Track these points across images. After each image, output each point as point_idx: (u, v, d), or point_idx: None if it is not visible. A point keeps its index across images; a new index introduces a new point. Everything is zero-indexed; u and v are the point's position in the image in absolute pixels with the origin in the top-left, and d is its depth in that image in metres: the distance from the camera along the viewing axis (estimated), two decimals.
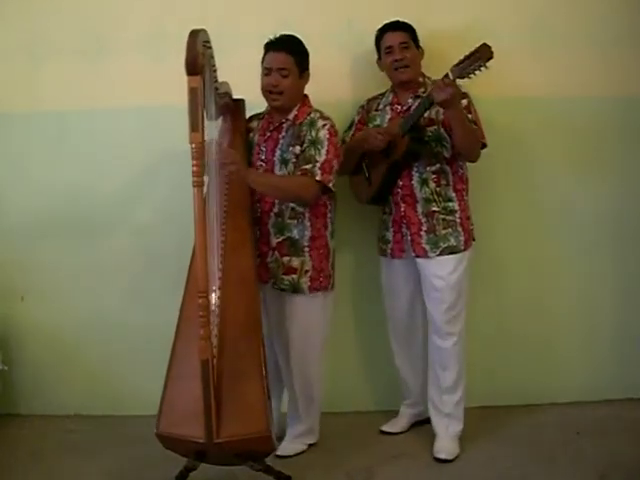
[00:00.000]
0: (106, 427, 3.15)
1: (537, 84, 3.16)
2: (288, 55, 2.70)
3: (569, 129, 3.21)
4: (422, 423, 3.06)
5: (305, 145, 2.71)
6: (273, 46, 2.72)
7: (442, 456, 2.80)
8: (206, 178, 2.45)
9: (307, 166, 2.66)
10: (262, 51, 2.77)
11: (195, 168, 2.25)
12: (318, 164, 2.66)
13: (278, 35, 2.74)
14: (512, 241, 3.25)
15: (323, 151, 2.67)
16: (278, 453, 2.76)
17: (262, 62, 2.75)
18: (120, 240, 3.25)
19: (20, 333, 3.28)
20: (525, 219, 3.25)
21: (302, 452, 2.88)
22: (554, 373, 3.30)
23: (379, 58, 2.92)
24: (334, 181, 2.70)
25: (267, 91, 2.74)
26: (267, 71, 2.72)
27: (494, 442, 2.93)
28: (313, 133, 2.71)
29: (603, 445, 2.86)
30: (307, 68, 2.77)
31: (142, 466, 2.77)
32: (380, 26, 2.88)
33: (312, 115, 2.76)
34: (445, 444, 2.84)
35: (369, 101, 3.01)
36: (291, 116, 2.77)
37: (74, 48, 3.18)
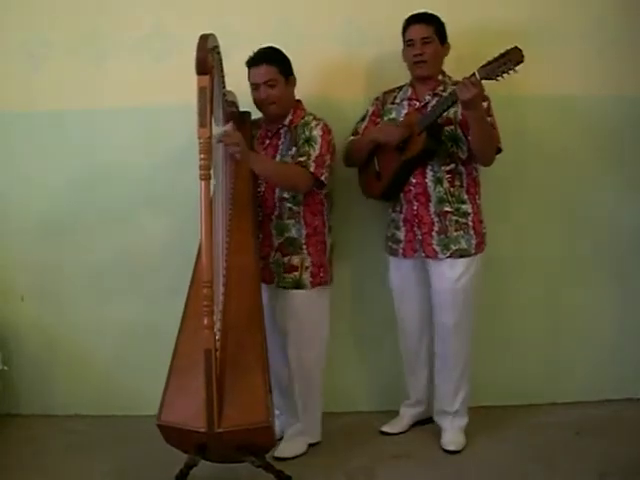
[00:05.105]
0: (106, 427, 3.15)
1: (539, 83, 3.13)
2: (269, 66, 2.76)
3: (576, 128, 3.19)
4: (422, 423, 3.06)
5: (300, 143, 2.80)
6: (253, 62, 2.79)
7: (451, 448, 2.83)
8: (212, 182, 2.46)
9: (302, 158, 2.76)
10: None
11: (202, 162, 2.27)
12: (312, 157, 2.75)
13: (256, 51, 2.79)
14: (512, 241, 3.23)
15: (317, 147, 2.77)
16: (276, 454, 2.76)
17: (248, 79, 2.81)
18: (120, 240, 3.24)
19: (20, 333, 3.28)
20: (528, 220, 3.23)
21: (302, 454, 2.85)
22: (554, 373, 3.29)
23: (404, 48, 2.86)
24: (326, 174, 2.78)
25: (259, 104, 2.83)
26: (255, 86, 2.81)
27: (494, 442, 2.92)
28: (307, 132, 2.81)
29: (603, 445, 2.86)
30: (292, 73, 2.83)
31: (142, 466, 2.77)
32: (407, 16, 2.82)
33: (306, 118, 2.85)
34: (452, 437, 2.87)
35: (385, 94, 2.96)
36: (287, 121, 2.86)
37: (74, 48, 3.17)
